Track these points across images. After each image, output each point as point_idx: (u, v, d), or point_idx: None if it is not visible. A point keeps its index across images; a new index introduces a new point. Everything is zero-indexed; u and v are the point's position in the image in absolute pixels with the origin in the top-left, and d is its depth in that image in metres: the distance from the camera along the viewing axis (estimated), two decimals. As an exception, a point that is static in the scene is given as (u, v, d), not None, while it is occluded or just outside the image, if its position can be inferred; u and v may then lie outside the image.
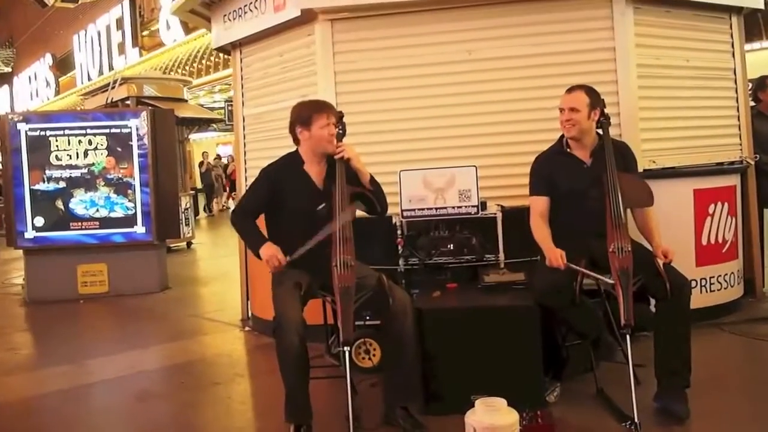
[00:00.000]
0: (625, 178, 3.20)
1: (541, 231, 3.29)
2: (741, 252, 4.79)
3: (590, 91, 3.32)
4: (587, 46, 4.30)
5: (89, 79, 21.65)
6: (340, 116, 3.27)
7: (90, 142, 6.72)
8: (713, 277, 4.50)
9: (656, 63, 4.44)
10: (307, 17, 4.48)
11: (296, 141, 3.28)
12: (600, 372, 3.33)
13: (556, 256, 3.09)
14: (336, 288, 2.90)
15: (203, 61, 15.35)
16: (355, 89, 4.41)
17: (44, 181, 6.71)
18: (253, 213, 3.26)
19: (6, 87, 31.40)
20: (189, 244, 10.56)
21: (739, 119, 4.89)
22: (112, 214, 6.71)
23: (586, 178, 3.27)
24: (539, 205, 3.35)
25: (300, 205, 3.17)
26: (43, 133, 6.70)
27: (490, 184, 4.01)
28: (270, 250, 3.08)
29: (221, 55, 9.19)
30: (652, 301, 3.26)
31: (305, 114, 3.21)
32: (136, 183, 6.71)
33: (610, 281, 2.96)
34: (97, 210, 6.71)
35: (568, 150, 3.37)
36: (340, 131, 3.23)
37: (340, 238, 2.98)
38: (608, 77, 4.26)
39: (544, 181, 3.35)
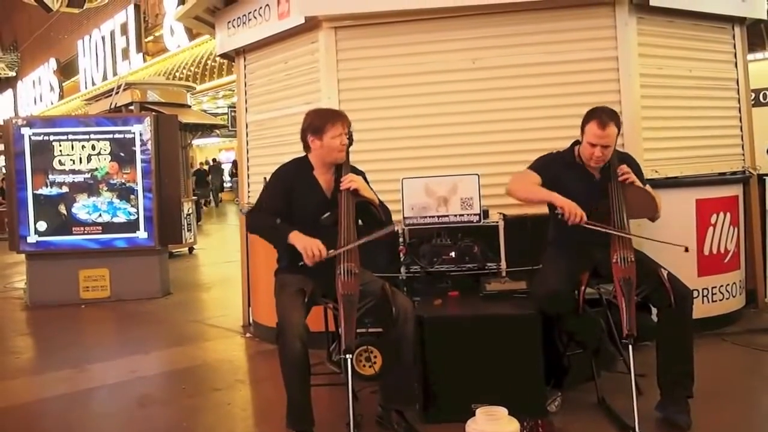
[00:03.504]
0: (631, 189, 3.20)
1: (540, 188, 3.25)
2: (743, 262, 4.79)
3: (617, 119, 3.24)
4: (590, 55, 4.30)
5: (93, 84, 21.76)
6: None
7: (93, 147, 6.72)
8: (715, 287, 4.50)
9: (659, 73, 4.44)
10: (311, 25, 4.49)
11: (306, 148, 3.24)
12: (601, 381, 3.33)
13: (573, 206, 3.06)
14: (339, 295, 2.89)
15: (206, 70, 15.37)
16: (358, 97, 4.41)
17: (47, 186, 6.71)
18: (271, 212, 3.13)
19: (10, 91, 31.55)
20: (191, 249, 10.55)
21: (741, 129, 4.89)
22: (115, 219, 6.71)
23: (595, 190, 3.27)
24: (535, 178, 3.30)
25: (306, 211, 3.12)
26: (46, 137, 6.72)
27: (493, 192, 4.01)
28: (307, 240, 2.95)
29: (225, 61, 9.22)
30: (654, 311, 3.25)
31: (318, 123, 3.16)
32: (139, 188, 6.72)
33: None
34: (100, 215, 6.71)
35: (581, 162, 3.36)
36: (348, 140, 3.21)
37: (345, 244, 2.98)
38: (611, 87, 4.27)
39: (547, 174, 3.32)
